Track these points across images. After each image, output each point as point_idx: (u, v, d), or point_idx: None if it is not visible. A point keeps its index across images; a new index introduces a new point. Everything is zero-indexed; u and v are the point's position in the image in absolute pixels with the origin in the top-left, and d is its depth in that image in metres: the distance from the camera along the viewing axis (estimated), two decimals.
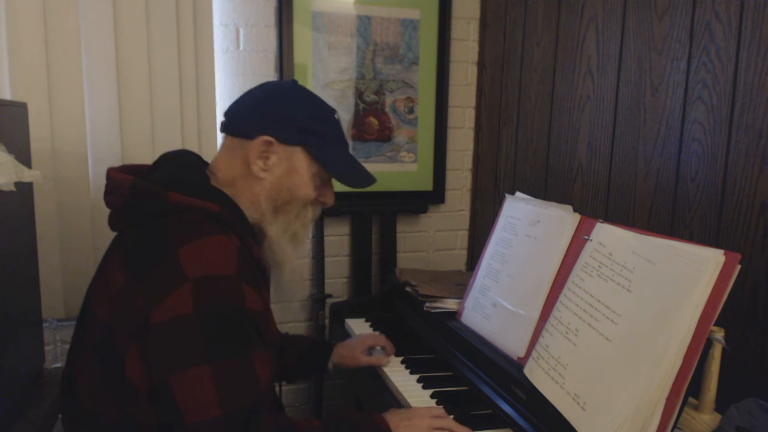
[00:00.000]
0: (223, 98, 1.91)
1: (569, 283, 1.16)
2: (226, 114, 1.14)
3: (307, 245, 1.26)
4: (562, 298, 1.16)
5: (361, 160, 2.08)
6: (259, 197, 1.10)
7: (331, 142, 1.14)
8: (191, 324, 0.90)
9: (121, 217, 1.04)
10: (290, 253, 1.14)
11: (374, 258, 2.18)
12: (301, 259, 1.19)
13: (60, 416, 1.07)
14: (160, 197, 0.98)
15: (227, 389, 0.91)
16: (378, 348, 1.53)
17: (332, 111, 1.16)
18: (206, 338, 0.91)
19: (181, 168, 1.10)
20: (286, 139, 1.09)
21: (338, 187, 2.06)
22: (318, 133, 1.12)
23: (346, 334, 1.78)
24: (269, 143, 1.08)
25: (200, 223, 0.98)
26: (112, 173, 1.05)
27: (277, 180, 1.10)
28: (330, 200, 1.20)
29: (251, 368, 0.95)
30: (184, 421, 0.89)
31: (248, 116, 1.11)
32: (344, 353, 1.47)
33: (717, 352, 1.02)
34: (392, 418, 1.10)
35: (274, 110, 1.10)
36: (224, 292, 0.94)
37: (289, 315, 2.11)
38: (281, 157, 1.09)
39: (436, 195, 2.22)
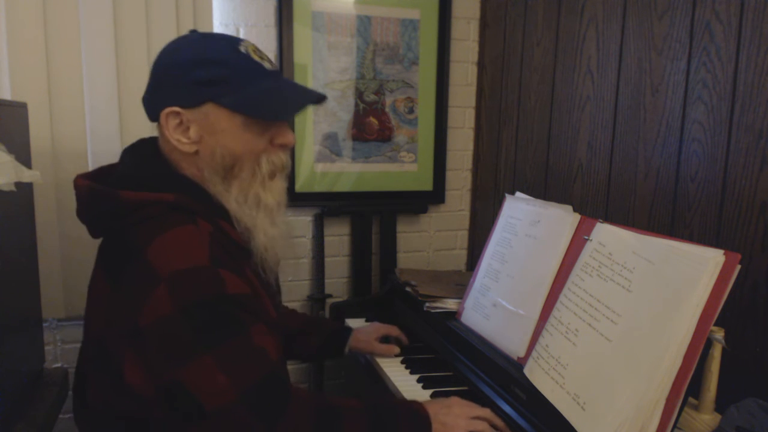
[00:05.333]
0: None
1: (569, 283, 1.16)
2: (143, 103, 1.07)
3: (283, 211, 1.12)
4: (562, 298, 1.16)
5: (360, 160, 2.10)
6: (203, 171, 1.02)
7: (238, 83, 0.99)
8: (176, 323, 0.88)
9: (91, 224, 1.01)
10: (258, 217, 1.04)
11: (374, 258, 2.17)
12: (279, 230, 1.09)
13: (73, 416, 1.06)
14: (113, 198, 0.95)
15: (235, 370, 0.89)
16: (392, 338, 1.56)
17: (230, 45, 1.01)
18: (195, 332, 0.89)
19: (134, 162, 1.05)
20: (189, 103, 0.98)
21: (338, 186, 2.09)
22: (218, 78, 0.98)
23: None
24: (177, 114, 0.99)
25: (161, 216, 0.94)
26: (77, 182, 1.01)
27: (209, 148, 1.00)
28: (288, 139, 1.06)
29: (252, 344, 0.93)
30: (204, 410, 0.88)
31: (149, 97, 1.03)
32: (360, 338, 1.50)
33: (717, 352, 1.02)
34: (432, 405, 1.11)
35: (165, 78, 1.00)
36: (200, 284, 0.91)
37: None
38: (198, 122, 0.99)
39: (436, 195, 2.23)
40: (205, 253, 0.93)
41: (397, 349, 1.50)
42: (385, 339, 1.56)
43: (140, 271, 0.90)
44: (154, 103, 1.02)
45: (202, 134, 1.00)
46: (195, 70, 0.98)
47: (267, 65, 1.04)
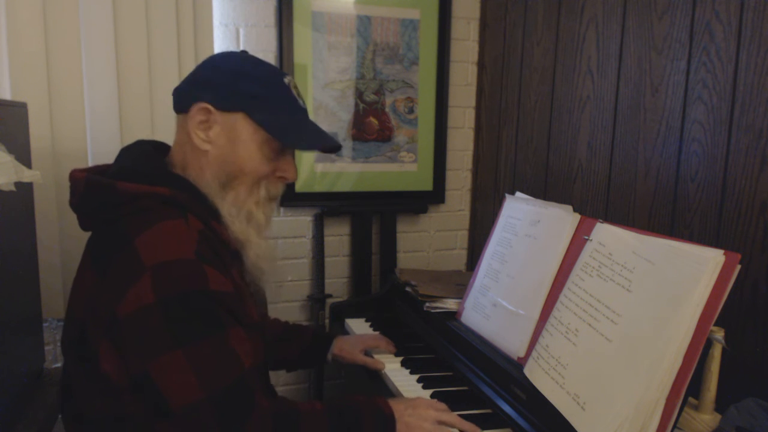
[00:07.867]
0: None
1: (569, 283, 1.16)
2: (173, 93, 1.11)
3: (271, 227, 1.19)
4: (562, 298, 1.16)
5: (360, 160, 2.10)
6: (205, 171, 1.05)
7: (275, 105, 1.06)
8: (155, 312, 0.89)
9: (84, 216, 1.03)
10: (249, 232, 1.07)
11: (374, 258, 2.18)
12: (267, 242, 1.13)
13: (60, 416, 1.07)
14: (110, 188, 0.97)
15: (205, 370, 0.90)
16: (379, 350, 1.53)
17: (277, 74, 1.09)
18: (172, 324, 0.89)
19: (134, 158, 1.08)
20: (224, 106, 1.03)
21: (338, 186, 2.09)
22: (259, 96, 1.04)
23: (345, 334, 1.78)
24: (207, 111, 1.03)
25: (154, 209, 0.96)
26: (73, 174, 1.03)
27: (221, 152, 1.05)
28: (291, 174, 1.11)
29: (226, 346, 0.93)
30: (170, 407, 0.89)
31: (185, 89, 1.08)
32: (344, 347, 1.49)
33: (717, 352, 1.02)
34: (397, 405, 1.10)
35: (210, 77, 1.06)
36: (184, 277, 0.92)
37: (289, 315, 2.11)
38: (222, 126, 1.04)
39: (436, 195, 2.23)
40: (191, 247, 0.94)
41: (382, 365, 1.46)
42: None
43: (127, 260, 0.91)
44: (188, 94, 1.06)
45: (222, 138, 1.04)
46: (241, 80, 1.04)
47: (301, 103, 1.11)
